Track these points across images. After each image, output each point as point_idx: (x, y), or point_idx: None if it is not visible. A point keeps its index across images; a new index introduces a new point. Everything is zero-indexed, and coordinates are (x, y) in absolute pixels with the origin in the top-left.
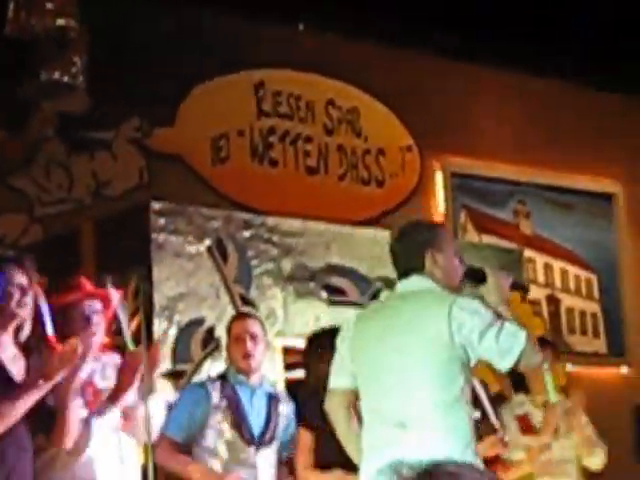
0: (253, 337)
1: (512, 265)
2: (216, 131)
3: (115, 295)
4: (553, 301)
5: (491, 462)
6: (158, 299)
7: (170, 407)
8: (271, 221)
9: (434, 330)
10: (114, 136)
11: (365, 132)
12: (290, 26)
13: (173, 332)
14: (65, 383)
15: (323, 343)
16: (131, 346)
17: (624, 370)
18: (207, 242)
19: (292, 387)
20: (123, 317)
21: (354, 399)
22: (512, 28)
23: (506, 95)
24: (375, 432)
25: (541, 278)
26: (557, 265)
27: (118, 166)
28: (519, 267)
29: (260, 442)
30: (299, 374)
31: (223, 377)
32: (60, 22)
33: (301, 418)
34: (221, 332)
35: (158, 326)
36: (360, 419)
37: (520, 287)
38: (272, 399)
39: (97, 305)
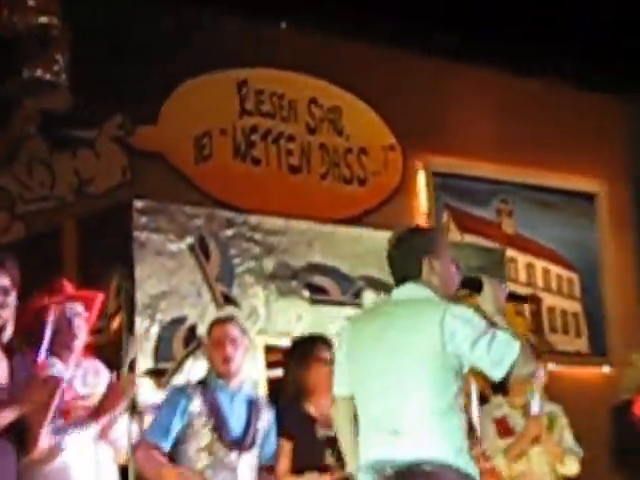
0: (233, 341)
1: (494, 265)
2: (199, 129)
3: (97, 297)
4: (535, 300)
5: (483, 473)
6: (140, 297)
7: (152, 411)
8: (253, 219)
9: (427, 338)
10: (97, 134)
11: (347, 131)
12: (273, 25)
13: (155, 330)
14: (43, 407)
15: (304, 351)
16: (125, 372)
17: (606, 369)
18: (189, 240)
19: (274, 386)
20: (127, 347)
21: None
22: (494, 28)
23: (489, 95)
24: (369, 439)
25: (523, 277)
26: (539, 264)
27: (101, 164)
28: (501, 267)
29: (240, 446)
30: (281, 373)
31: (203, 382)
32: (42, 20)
33: (280, 427)
34: (203, 330)
35: (140, 324)
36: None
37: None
38: (252, 404)
39: (78, 308)
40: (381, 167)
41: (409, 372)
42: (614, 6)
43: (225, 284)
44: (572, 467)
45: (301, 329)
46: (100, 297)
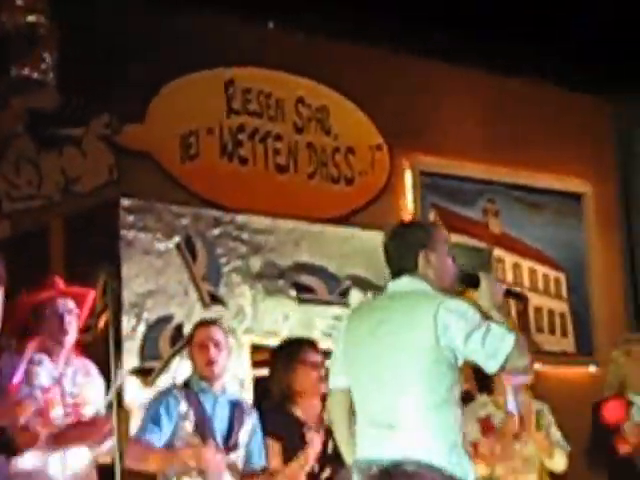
0: (217, 344)
1: (481, 264)
2: (185, 128)
3: (89, 293)
4: (522, 300)
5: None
6: (127, 296)
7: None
8: (240, 219)
9: (421, 332)
10: (84, 133)
11: (335, 130)
12: (260, 24)
13: (142, 329)
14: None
15: (289, 354)
16: (108, 408)
17: (592, 369)
18: (176, 239)
19: (260, 385)
20: (115, 378)
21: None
22: (481, 28)
23: (476, 95)
24: (365, 433)
25: (510, 277)
26: (525, 264)
27: (87, 163)
28: (488, 266)
29: (224, 449)
30: (267, 372)
31: (186, 385)
32: (30, 19)
33: (268, 429)
34: (189, 329)
35: (127, 323)
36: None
37: (514, 295)
38: (235, 406)
39: (70, 304)
40: (368, 167)
41: (404, 367)
42: (599, 7)
43: (212, 283)
44: (560, 462)
45: (288, 328)
46: (92, 294)
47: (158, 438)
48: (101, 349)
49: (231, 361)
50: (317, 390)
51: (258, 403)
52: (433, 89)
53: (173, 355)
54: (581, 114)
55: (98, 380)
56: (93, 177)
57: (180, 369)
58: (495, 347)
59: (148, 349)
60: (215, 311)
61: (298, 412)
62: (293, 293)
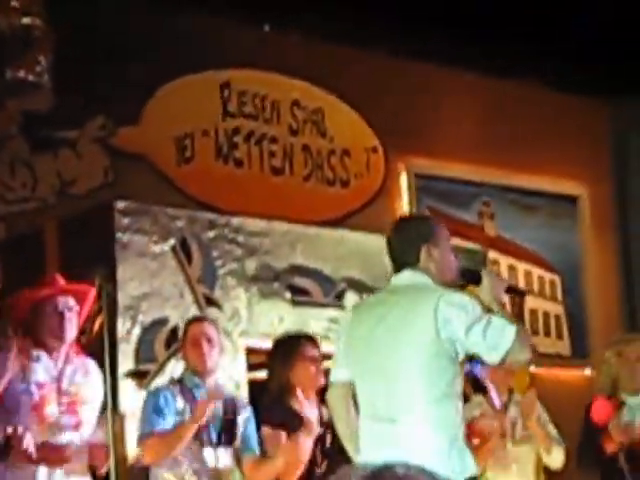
0: (209, 340)
1: (476, 266)
2: (181, 131)
3: (90, 291)
4: (521, 295)
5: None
6: (122, 299)
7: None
8: (235, 221)
9: (421, 325)
10: (79, 135)
11: (330, 133)
12: (256, 27)
13: (137, 332)
14: None
15: (288, 349)
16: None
17: (587, 372)
18: (171, 242)
19: (256, 388)
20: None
21: (354, 391)
22: (479, 29)
23: (471, 97)
24: (367, 427)
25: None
26: (521, 266)
27: (82, 165)
28: (483, 268)
29: (218, 444)
30: (263, 374)
31: (180, 381)
32: (26, 21)
33: (267, 421)
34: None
35: (122, 326)
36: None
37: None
38: (228, 403)
39: (70, 302)
40: (364, 169)
41: (404, 360)
42: (597, 8)
43: (207, 286)
44: (558, 458)
45: (283, 331)
46: (92, 291)
47: (169, 427)
48: (96, 352)
49: (224, 359)
50: (315, 384)
51: (254, 404)
52: (429, 91)
53: (168, 358)
54: (576, 116)
55: (97, 379)
56: (88, 179)
57: (175, 371)
58: (496, 339)
59: (143, 352)
60: (210, 313)
61: (296, 406)
62: (288, 295)
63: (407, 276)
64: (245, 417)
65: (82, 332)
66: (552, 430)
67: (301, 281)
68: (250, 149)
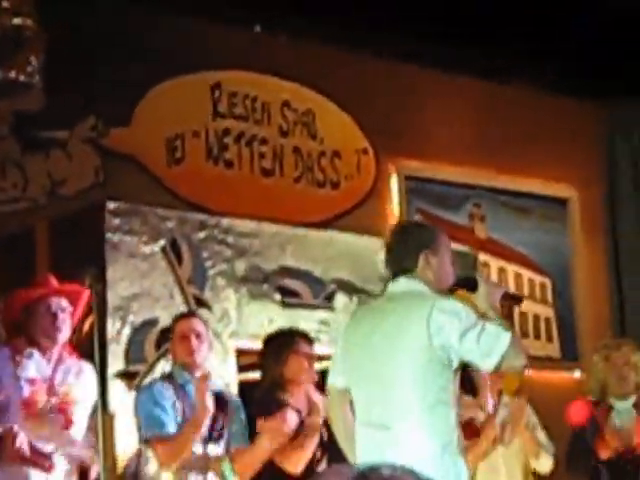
0: (198, 336)
1: (467, 269)
2: (171, 132)
3: (83, 292)
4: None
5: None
6: (112, 299)
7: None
8: (226, 222)
9: (414, 332)
10: (69, 135)
11: (321, 134)
12: (246, 28)
13: (127, 332)
14: None
15: (280, 345)
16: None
17: (577, 374)
18: (161, 243)
19: (246, 389)
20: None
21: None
22: (469, 32)
23: (462, 99)
24: (362, 433)
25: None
26: (511, 269)
27: (73, 165)
28: (474, 271)
29: (209, 438)
30: (253, 376)
31: (170, 377)
32: (17, 21)
33: (260, 411)
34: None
35: (112, 326)
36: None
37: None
38: (217, 397)
39: (64, 302)
40: (354, 171)
41: (398, 367)
42: (589, 11)
43: (197, 287)
44: (546, 463)
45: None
46: (86, 293)
47: (174, 425)
48: (86, 352)
49: (213, 358)
50: (308, 380)
51: (245, 405)
52: (419, 93)
53: (158, 358)
54: (567, 119)
55: (90, 381)
56: (79, 180)
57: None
58: (490, 346)
59: (133, 352)
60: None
61: (290, 400)
62: (278, 297)
63: (404, 283)
64: (234, 410)
65: (74, 332)
66: (541, 435)
67: (291, 282)
68: (240, 150)
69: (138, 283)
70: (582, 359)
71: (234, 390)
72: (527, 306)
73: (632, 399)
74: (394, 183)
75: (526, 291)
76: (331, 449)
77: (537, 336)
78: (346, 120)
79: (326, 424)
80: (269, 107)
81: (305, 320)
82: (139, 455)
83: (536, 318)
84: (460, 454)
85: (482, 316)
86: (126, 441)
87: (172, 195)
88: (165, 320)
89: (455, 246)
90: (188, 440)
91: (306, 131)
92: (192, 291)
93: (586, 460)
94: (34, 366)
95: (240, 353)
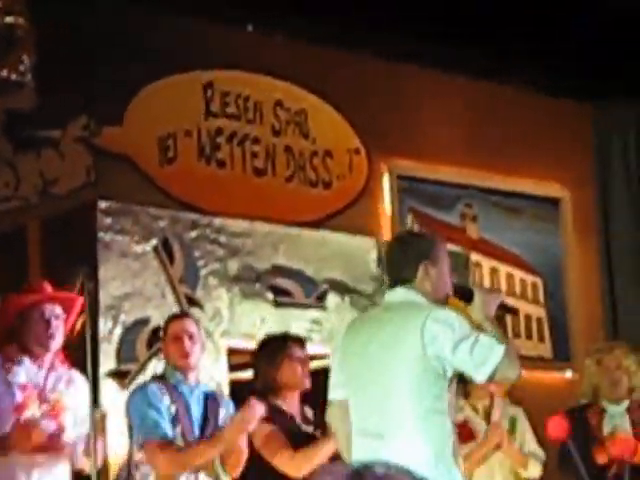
0: (191, 337)
1: (459, 268)
2: (164, 131)
3: (77, 300)
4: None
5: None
6: (104, 298)
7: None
8: (218, 222)
9: (409, 343)
10: (61, 135)
11: (313, 134)
12: (240, 28)
13: (118, 332)
14: None
15: (274, 349)
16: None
17: (569, 375)
18: (153, 242)
19: (237, 388)
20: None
21: None
22: (462, 31)
23: (454, 99)
24: (357, 442)
25: (487, 282)
26: (503, 269)
27: (65, 165)
28: (466, 271)
29: (199, 440)
30: (244, 375)
31: (162, 378)
32: (8, 20)
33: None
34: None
35: (103, 325)
36: None
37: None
38: (209, 398)
39: (57, 309)
40: (346, 170)
41: (392, 377)
42: (583, 12)
43: (189, 286)
44: (534, 470)
45: (265, 331)
46: (80, 300)
47: (170, 428)
48: (77, 351)
49: (207, 361)
50: (302, 385)
51: (236, 404)
52: (412, 93)
53: (150, 358)
54: (559, 119)
55: (82, 390)
56: (71, 179)
57: (157, 371)
58: (484, 357)
59: (125, 352)
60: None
61: (283, 406)
62: (270, 296)
63: (401, 293)
64: (226, 411)
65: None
66: (531, 441)
67: (283, 282)
68: (232, 150)
69: (130, 282)
70: (574, 359)
71: (225, 389)
72: (519, 306)
73: (625, 404)
74: (386, 183)
75: (518, 291)
76: None
77: (529, 336)
78: (338, 120)
79: (317, 427)
80: (261, 106)
81: (297, 319)
82: (129, 459)
83: (528, 318)
84: (455, 463)
85: (477, 327)
86: (118, 440)
87: (164, 194)
88: (157, 319)
89: (447, 246)
90: (199, 456)
91: (298, 130)
92: (184, 290)
93: (575, 470)
94: (24, 372)
95: (232, 352)
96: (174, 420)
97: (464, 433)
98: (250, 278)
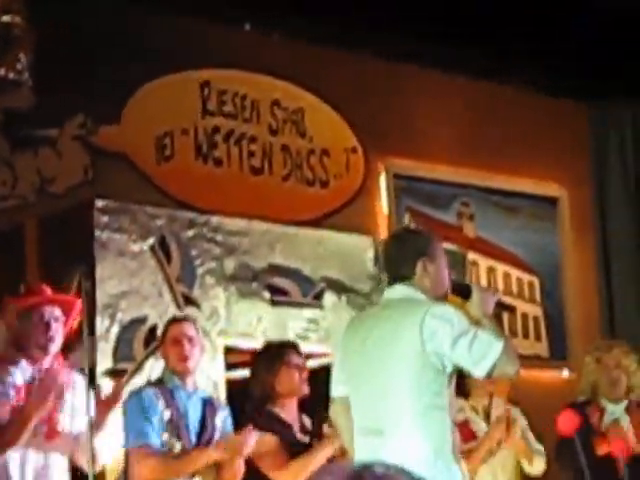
0: (190, 340)
1: (456, 267)
2: (161, 130)
3: (76, 302)
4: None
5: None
6: (101, 297)
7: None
8: (215, 220)
9: (408, 339)
10: (59, 133)
11: (310, 133)
12: (238, 27)
13: (115, 330)
14: None
15: (272, 356)
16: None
17: (565, 374)
18: (150, 241)
19: (234, 387)
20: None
21: None
22: (459, 31)
23: (451, 98)
24: (358, 439)
25: (484, 281)
26: (500, 268)
27: (62, 163)
28: (463, 269)
29: (197, 445)
30: (241, 374)
31: (160, 382)
32: (6, 19)
33: (256, 426)
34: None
35: (100, 324)
36: None
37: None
38: (207, 403)
39: (57, 312)
40: (343, 169)
41: (392, 374)
42: (582, 12)
43: (186, 285)
44: (539, 465)
45: (262, 330)
46: (79, 302)
47: (157, 437)
48: (72, 350)
49: (203, 360)
50: (300, 392)
51: (232, 405)
52: (409, 92)
53: (147, 356)
54: (557, 118)
55: (80, 391)
56: (68, 178)
57: (154, 370)
58: (482, 353)
59: (122, 350)
60: (189, 312)
61: (282, 413)
62: (267, 295)
63: (400, 290)
64: (223, 418)
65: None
66: (531, 439)
67: (280, 281)
68: (229, 148)
69: (127, 281)
70: (571, 358)
71: (222, 388)
72: (515, 305)
73: (624, 403)
74: (383, 181)
75: (515, 290)
76: None
77: (526, 335)
78: (335, 119)
79: (313, 437)
80: (259, 105)
81: (294, 318)
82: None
83: (524, 317)
84: (455, 459)
85: (475, 323)
86: (114, 440)
87: (161, 193)
88: (154, 318)
89: (444, 245)
90: (182, 467)
91: (295, 129)
92: (181, 289)
93: (575, 463)
94: (20, 373)
95: (228, 351)
96: (168, 425)
97: (464, 433)
98: (247, 277)
